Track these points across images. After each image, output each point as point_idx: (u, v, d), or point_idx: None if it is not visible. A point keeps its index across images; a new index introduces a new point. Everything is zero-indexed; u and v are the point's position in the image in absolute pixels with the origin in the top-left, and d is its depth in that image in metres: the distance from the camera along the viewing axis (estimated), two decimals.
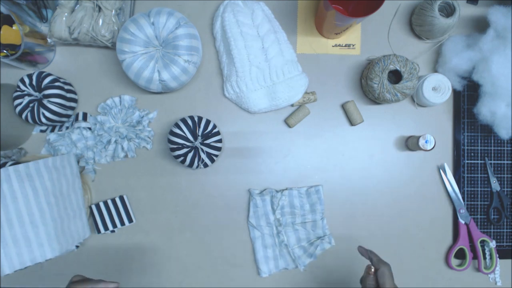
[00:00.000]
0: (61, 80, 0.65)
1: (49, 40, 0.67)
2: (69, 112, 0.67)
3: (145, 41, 0.61)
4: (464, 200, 0.72)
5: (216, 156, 0.67)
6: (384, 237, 0.72)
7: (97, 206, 0.69)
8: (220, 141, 0.67)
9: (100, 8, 0.64)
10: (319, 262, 0.71)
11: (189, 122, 0.64)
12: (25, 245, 0.54)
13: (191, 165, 0.65)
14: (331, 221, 0.71)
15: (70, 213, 0.62)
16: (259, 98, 0.68)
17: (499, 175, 0.72)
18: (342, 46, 0.72)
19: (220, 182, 0.71)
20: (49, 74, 0.63)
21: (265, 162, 0.71)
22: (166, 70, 0.61)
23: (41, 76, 0.63)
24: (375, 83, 0.64)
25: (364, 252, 0.55)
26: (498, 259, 0.71)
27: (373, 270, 0.52)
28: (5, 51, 0.62)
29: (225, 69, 0.69)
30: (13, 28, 0.62)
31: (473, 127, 0.72)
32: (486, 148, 0.72)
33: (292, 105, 0.71)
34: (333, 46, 0.72)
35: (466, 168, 0.72)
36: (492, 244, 0.70)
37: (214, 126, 0.66)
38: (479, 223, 0.72)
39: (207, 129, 0.65)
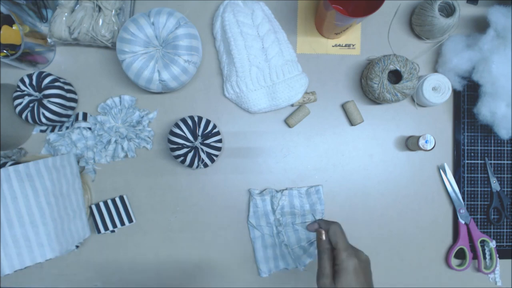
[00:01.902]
0: (61, 80, 0.65)
1: (49, 40, 0.67)
2: (69, 112, 0.67)
3: (145, 41, 0.61)
4: (464, 200, 0.72)
5: (216, 156, 0.67)
6: (384, 237, 0.72)
7: (97, 206, 0.69)
8: (220, 141, 0.67)
9: (100, 8, 0.64)
10: None
11: (189, 122, 0.64)
12: (25, 245, 0.54)
13: (191, 165, 0.65)
14: None
15: (70, 213, 0.62)
16: (259, 98, 0.68)
17: (499, 175, 0.72)
18: (342, 46, 0.72)
19: (220, 182, 0.71)
20: (49, 74, 0.63)
21: (265, 162, 0.71)
22: (166, 70, 0.61)
23: (41, 76, 0.63)
24: (375, 83, 0.64)
25: (312, 225, 0.53)
26: (498, 259, 0.71)
27: (323, 233, 0.50)
28: (5, 51, 0.62)
29: (225, 69, 0.69)
30: (13, 28, 0.62)
31: (473, 127, 0.72)
32: (486, 148, 0.72)
33: (292, 105, 0.71)
34: (333, 46, 0.72)
35: (466, 168, 0.72)
36: (492, 244, 0.70)
37: (214, 126, 0.66)
38: (479, 223, 0.72)
39: (207, 129, 0.65)
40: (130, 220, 0.69)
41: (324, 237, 0.50)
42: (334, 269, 0.47)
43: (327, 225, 0.50)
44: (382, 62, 0.64)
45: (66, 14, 0.64)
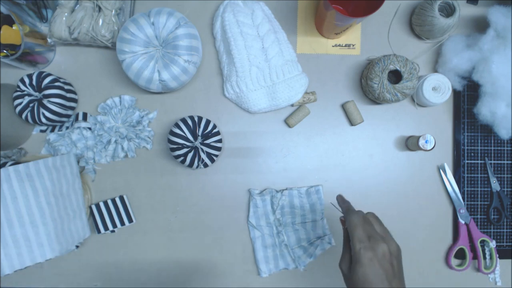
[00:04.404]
0: (61, 80, 0.65)
1: (49, 40, 0.67)
2: (69, 112, 0.67)
3: (145, 41, 0.61)
4: (464, 200, 0.72)
5: (216, 156, 0.67)
6: None
7: (97, 206, 0.69)
8: (220, 141, 0.67)
9: (100, 8, 0.64)
10: (319, 262, 0.71)
11: (189, 122, 0.64)
12: (25, 245, 0.54)
13: (191, 165, 0.65)
14: (331, 221, 0.71)
15: (70, 213, 0.62)
16: (259, 98, 0.68)
17: (499, 175, 0.72)
18: (342, 46, 0.72)
19: (220, 182, 0.71)
20: (49, 74, 0.63)
21: (265, 162, 0.71)
22: (166, 70, 0.61)
23: (41, 76, 0.63)
24: (375, 83, 0.64)
25: (341, 201, 0.53)
26: (498, 259, 0.71)
27: (343, 221, 0.51)
28: (5, 51, 0.62)
29: (225, 69, 0.69)
30: (13, 28, 0.62)
31: (473, 127, 0.72)
32: (486, 148, 0.72)
33: (292, 105, 0.71)
34: (333, 46, 0.72)
35: (466, 168, 0.72)
36: (492, 244, 0.70)
37: (214, 126, 0.66)
38: (479, 223, 0.72)
39: (207, 129, 0.65)
40: (130, 220, 0.69)
41: (344, 225, 0.51)
42: (352, 257, 0.47)
43: (346, 214, 0.50)
44: (382, 62, 0.64)
45: (66, 14, 0.64)
